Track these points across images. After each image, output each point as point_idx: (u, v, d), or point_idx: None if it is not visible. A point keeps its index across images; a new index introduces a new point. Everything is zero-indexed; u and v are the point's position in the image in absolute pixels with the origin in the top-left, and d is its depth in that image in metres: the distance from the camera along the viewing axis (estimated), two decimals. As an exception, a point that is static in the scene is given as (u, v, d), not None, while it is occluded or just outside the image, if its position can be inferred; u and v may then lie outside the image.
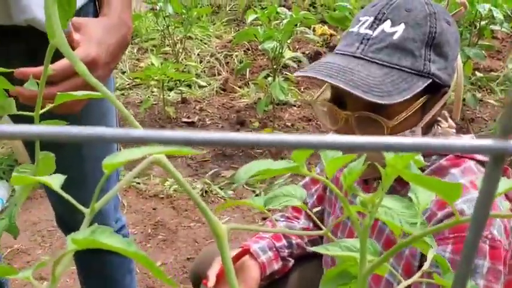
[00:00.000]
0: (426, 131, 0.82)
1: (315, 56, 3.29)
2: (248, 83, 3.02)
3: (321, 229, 1.18)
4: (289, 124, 2.60)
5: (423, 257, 0.80)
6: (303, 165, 0.27)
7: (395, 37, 0.75)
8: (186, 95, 2.84)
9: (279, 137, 0.17)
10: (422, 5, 0.78)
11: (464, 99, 2.50)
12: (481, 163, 0.81)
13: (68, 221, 1.04)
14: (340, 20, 2.32)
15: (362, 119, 0.76)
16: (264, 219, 1.95)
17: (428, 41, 0.75)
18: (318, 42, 3.38)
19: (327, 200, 1.04)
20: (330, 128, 0.82)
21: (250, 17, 2.44)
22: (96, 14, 0.83)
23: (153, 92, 2.93)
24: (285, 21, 2.33)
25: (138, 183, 2.15)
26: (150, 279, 1.66)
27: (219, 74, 3.12)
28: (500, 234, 0.73)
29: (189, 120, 2.64)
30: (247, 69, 3.00)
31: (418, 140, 0.16)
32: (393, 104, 0.71)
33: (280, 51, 2.28)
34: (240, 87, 3.01)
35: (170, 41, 2.98)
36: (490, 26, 2.33)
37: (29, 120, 0.42)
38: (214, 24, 3.74)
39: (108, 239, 0.23)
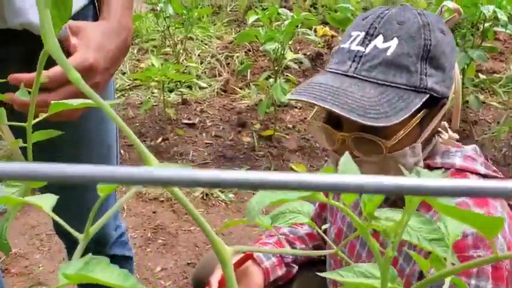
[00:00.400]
0: (426, 143, 0.78)
1: (316, 57, 3.27)
2: (249, 84, 3.00)
3: (324, 231, 1.15)
4: (290, 126, 2.58)
5: (422, 276, 0.78)
6: (320, 191, 0.25)
7: (388, 53, 0.71)
8: (187, 96, 2.82)
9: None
10: (414, 16, 0.74)
11: (467, 102, 2.48)
12: (486, 178, 0.78)
13: (66, 229, 1.02)
14: (342, 22, 2.30)
15: (359, 139, 0.73)
16: (265, 223, 1.93)
17: (424, 54, 0.72)
18: (319, 43, 3.36)
19: (328, 209, 1.02)
20: (328, 148, 0.79)
21: (251, 18, 2.42)
22: (95, 17, 0.80)
23: (153, 93, 2.91)
24: (286, 23, 2.31)
25: (138, 185, 2.13)
26: (150, 284, 1.64)
27: (219, 75, 3.10)
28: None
29: (190, 121, 2.61)
30: (248, 70, 2.98)
31: (412, 181, 0.14)
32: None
33: (282, 52, 2.26)
34: (241, 88, 2.99)
35: (171, 42, 2.96)
36: (494, 28, 2.31)
37: (24, 128, 0.40)
38: (214, 24, 3.71)
39: (103, 273, 0.21)
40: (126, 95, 2.92)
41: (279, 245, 1.05)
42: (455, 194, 0.13)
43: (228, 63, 3.20)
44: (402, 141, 0.72)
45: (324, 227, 1.01)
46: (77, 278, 0.21)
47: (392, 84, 0.70)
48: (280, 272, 1.00)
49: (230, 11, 4.03)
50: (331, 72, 0.75)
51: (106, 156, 0.92)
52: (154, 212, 1.98)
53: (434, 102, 0.74)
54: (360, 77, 0.71)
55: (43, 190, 0.48)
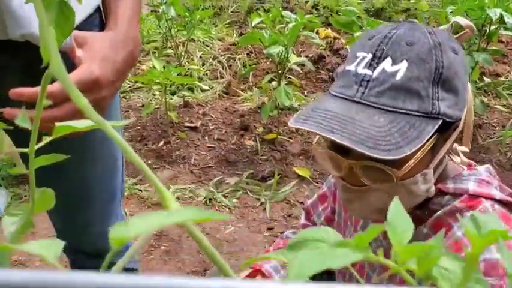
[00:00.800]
0: (437, 167, 0.74)
1: (318, 60, 3.24)
2: (251, 87, 2.97)
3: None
4: (293, 129, 2.56)
5: None
6: (367, 249, 0.23)
7: (398, 77, 0.66)
8: (189, 99, 2.80)
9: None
10: (425, 35, 0.69)
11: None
12: (501, 203, 0.74)
13: (71, 241, 0.99)
14: (347, 25, 2.27)
15: (368, 167, 0.69)
16: (270, 229, 1.91)
17: (435, 77, 0.67)
18: (321, 46, 3.33)
19: (336, 224, 0.99)
20: (334, 174, 0.75)
21: (255, 21, 2.39)
22: (101, 26, 0.78)
23: (154, 95, 2.88)
24: (290, 25, 2.28)
25: (140, 190, 2.11)
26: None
27: (221, 77, 3.08)
28: None
29: (192, 125, 2.59)
30: (250, 73, 2.95)
31: None
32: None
33: (286, 56, 2.23)
34: (243, 90, 2.96)
35: (172, 44, 2.93)
36: (500, 31, 2.29)
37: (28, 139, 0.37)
38: (216, 26, 3.69)
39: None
40: (127, 97, 2.89)
41: (288, 257, 1.03)
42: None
43: (230, 65, 3.17)
44: (413, 168, 0.68)
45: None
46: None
47: (403, 111, 0.66)
48: None
49: (231, 12, 4.01)
50: (337, 96, 0.70)
51: (112, 171, 0.89)
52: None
53: (446, 126, 0.70)
54: (367, 103, 0.67)
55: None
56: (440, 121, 0.68)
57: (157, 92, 2.85)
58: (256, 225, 1.92)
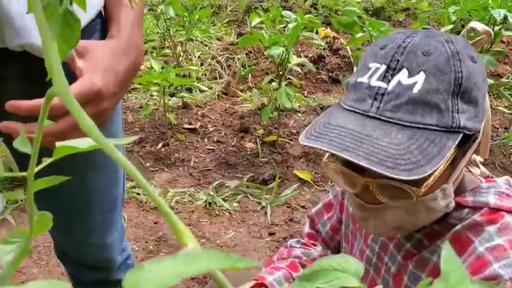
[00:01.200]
0: (456, 180, 0.71)
1: (318, 60, 3.21)
2: (250, 87, 2.94)
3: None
4: (294, 131, 2.52)
5: None
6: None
7: (415, 90, 0.62)
8: (187, 100, 2.76)
9: None
10: (441, 44, 0.65)
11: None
12: None
13: (71, 253, 0.96)
14: (348, 26, 2.24)
15: (385, 185, 0.65)
16: (271, 234, 1.87)
17: (455, 89, 0.63)
18: (321, 46, 3.30)
19: (343, 235, 0.96)
20: (348, 190, 0.71)
21: (254, 21, 2.35)
22: (103, 32, 0.74)
23: (152, 95, 2.84)
24: (290, 25, 2.24)
25: (139, 194, 2.06)
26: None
27: (220, 78, 3.04)
28: None
29: (191, 126, 2.55)
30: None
31: None
32: None
33: (287, 56, 2.20)
34: (242, 91, 2.92)
35: (170, 43, 2.89)
36: (503, 32, 2.26)
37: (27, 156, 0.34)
38: (214, 25, 3.64)
39: None
40: (124, 98, 2.85)
41: (293, 268, 0.99)
42: None
43: (229, 65, 3.13)
44: (433, 184, 0.65)
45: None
46: None
47: (421, 126, 0.62)
48: None
49: (230, 11, 3.96)
50: (349, 110, 0.66)
51: (113, 180, 0.86)
52: (156, 223, 1.91)
53: (466, 139, 0.66)
54: (383, 118, 0.63)
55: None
56: (461, 135, 0.64)
57: (155, 93, 2.80)
58: (257, 230, 1.89)
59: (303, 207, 2.01)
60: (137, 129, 2.51)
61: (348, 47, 3.20)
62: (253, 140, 2.43)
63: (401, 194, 0.65)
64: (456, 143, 0.63)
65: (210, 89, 2.92)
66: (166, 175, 2.21)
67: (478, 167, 0.77)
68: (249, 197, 2.06)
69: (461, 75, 0.64)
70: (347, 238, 0.94)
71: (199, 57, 3.15)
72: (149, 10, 3.45)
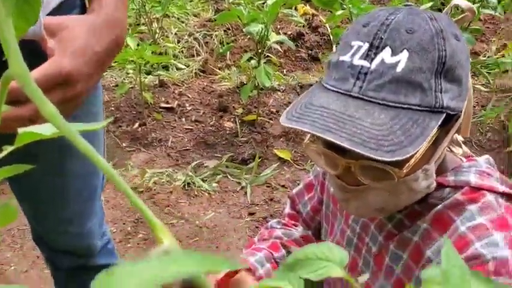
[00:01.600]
0: (437, 160, 0.70)
1: (297, 37, 3.17)
2: (229, 65, 2.89)
3: (319, 237, 1.08)
4: (273, 110, 2.50)
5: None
6: None
7: (398, 69, 0.61)
8: (164, 78, 2.70)
9: None
10: (425, 21, 0.63)
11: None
12: (504, 195, 0.70)
13: (47, 240, 0.93)
14: (328, 3, 2.20)
15: (367, 167, 0.64)
16: (251, 214, 1.86)
17: (438, 67, 0.62)
18: (300, 23, 3.26)
19: (324, 216, 0.95)
20: (329, 172, 0.69)
21: (233, -3, 2.30)
22: (83, 8, 0.69)
23: (128, 73, 2.77)
24: (269, 2, 2.20)
25: (115, 175, 2.02)
26: None
27: (197, 55, 2.97)
28: None
29: (168, 105, 2.50)
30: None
31: None
32: None
33: (266, 34, 2.16)
34: (220, 68, 2.87)
35: (146, 20, 2.81)
36: (482, 10, 2.26)
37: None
38: (191, 1, 3.56)
39: None
40: (99, 76, 2.77)
41: (274, 249, 0.98)
42: None
43: (207, 42, 3.07)
44: (415, 164, 0.64)
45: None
46: None
47: (405, 106, 0.61)
48: None
49: (207, -14, 3.87)
50: (332, 90, 0.64)
51: (93, 167, 0.82)
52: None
53: (448, 118, 0.65)
54: (366, 98, 0.61)
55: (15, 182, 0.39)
56: (444, 115, 0.63)
57: (131, 71, 2.73)
58: (237, 210, 1.87)
59: (283, 186, 2.00)
60: (113, 109, 2.45)
61: (327, 25, 3.17)
62: (232, 119, 2.40)
63: (383, 175, 0.64)
64: (439, 123, 0.62)
65: (187, 66, 2.87)
66: (143, 155, 2.17)
67: (461, 147, 0.77)
68: (229, 177, 2.04)
69: (445, 54, 0.62)
70: (327, 218, 0.94)
71: (175, 34, 3.08)
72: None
